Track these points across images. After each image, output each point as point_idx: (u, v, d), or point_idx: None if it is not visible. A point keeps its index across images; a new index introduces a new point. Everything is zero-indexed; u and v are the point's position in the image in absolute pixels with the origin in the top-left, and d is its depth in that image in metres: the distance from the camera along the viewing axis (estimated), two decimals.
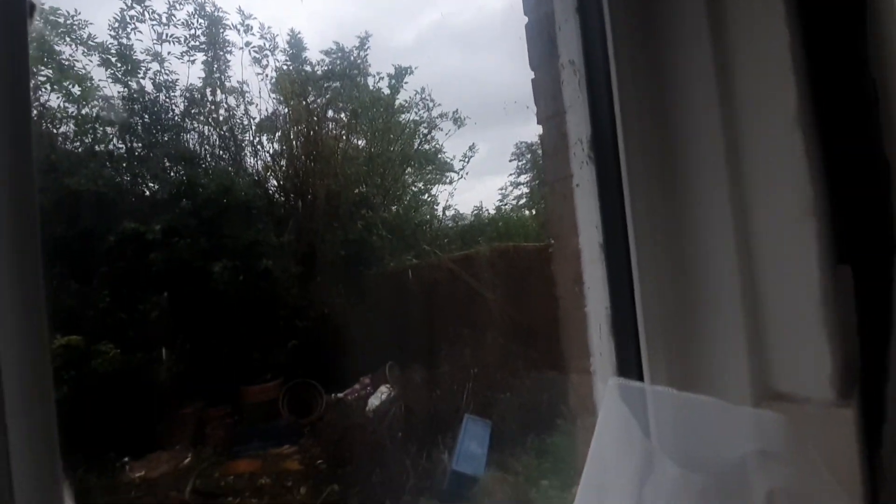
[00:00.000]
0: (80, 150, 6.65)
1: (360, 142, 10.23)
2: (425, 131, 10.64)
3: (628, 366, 0.82)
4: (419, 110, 10.66)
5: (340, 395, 7.50)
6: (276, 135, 9.02)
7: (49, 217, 5.83)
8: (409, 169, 10.87)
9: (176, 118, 7.78)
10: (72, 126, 6.97)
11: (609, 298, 0.82)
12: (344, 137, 9.66)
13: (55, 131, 6.83)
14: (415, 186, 11.44)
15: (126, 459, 5.71)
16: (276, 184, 8.68)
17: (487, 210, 12.62)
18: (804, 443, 0.60)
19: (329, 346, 8.08)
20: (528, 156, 18.73)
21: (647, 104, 0.77)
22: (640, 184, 0.75)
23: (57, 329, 5.58)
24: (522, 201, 15.67)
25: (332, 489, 4.26)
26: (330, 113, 9.52)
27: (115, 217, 6.08)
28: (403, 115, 10.71)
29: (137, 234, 5.83)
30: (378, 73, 10.19)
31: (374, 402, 6.68)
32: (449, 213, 11.90)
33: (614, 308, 0.81)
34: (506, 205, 15.24)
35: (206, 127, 8.17)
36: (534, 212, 12.77)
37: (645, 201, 0.72)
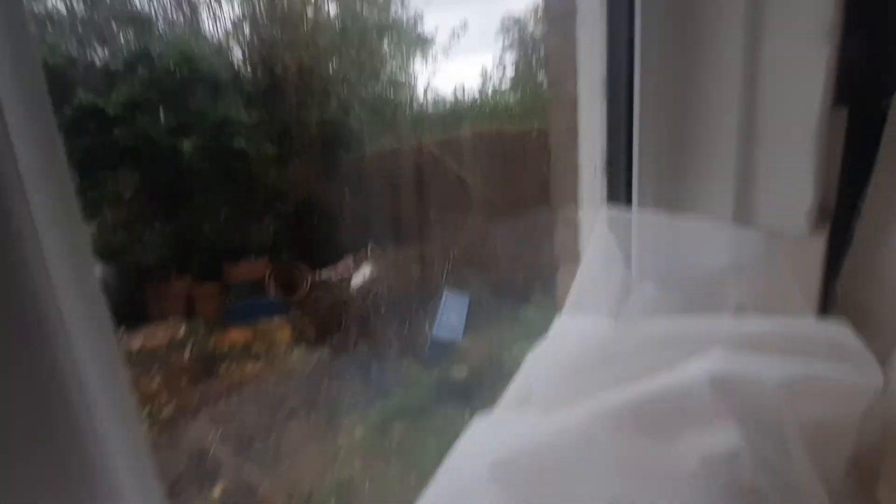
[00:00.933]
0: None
1: (329, 5, 9.20)
2: None
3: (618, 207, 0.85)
4: None
5: (325, 274, 7.77)
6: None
7: None
8: (386, 41, 10.01)
9: None
10: None
11: (606, 139, 0.82)
12: (312, 1, 8.67)
13: None
14: (393, 61, 10.61)
15: (121, 332, 5.99)
16: (241, 55, 7.92)
17: (471, 92, 11.96)
18: (777, 260, 0.65)
19: (310, 229, 8.14)
20: (516, 33, 17.26)
21: None
22: (652, 10, 0.71)
23: None
24: (506, 85, 14.84)
25: (321, 355, 4.62)
26: None
27: (67, 90, 5.56)
28: None
29: (96, 108, 5.40)
30: None
31: (357, 280, 6.98)
32: (430, 95, 11.24)
33: (611, 149, 0.82)
34: (489, 87, 14.44)
35: None
36: (519, 95, 12.18)
37: (656, 27, 0.68)
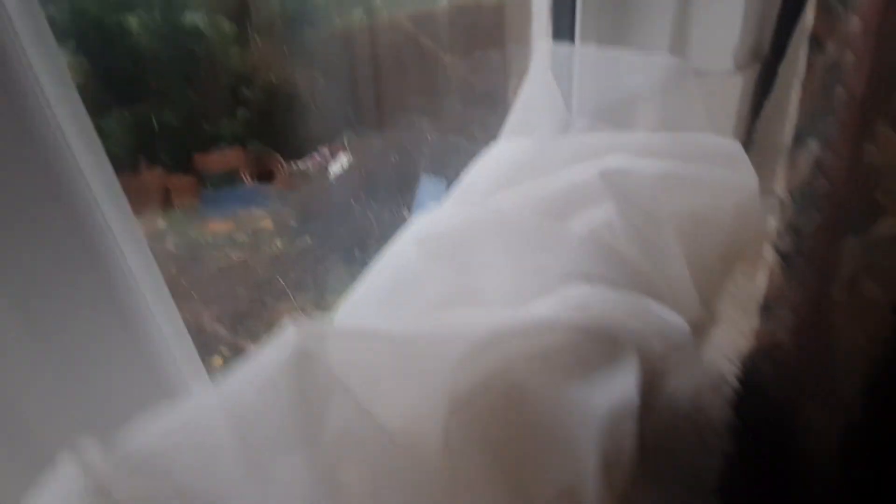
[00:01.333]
0: None
1: None
2: None
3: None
4: None
5: (300, 165, 7.64)
6: None
7: None
8: None
9: None
10: None
11: None
12: None
13: None
14: None
15: None
16: None
17: None
18: (698, 92, 0.72)
19: (281, 116, 7.78)
20: None
21: None
22: None
23: None
24: None
25: (304, 240, 4.76)
26: None
27: None
28: None
29: None
30: None
31: (334, 169, 6.91)
32: None
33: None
34: None
35: None
36: None
37: None
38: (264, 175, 7.03)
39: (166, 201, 6.27)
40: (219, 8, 6.46)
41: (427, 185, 4.77)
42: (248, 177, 6.66)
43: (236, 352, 3.19)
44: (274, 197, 6.50)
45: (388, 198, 5.03)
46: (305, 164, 7.59)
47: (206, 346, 3.21)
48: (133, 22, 5.28)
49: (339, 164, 6.84)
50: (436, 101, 6.46)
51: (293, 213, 5.54)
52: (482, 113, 6.08)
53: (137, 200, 4.51)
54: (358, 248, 4.53)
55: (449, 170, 5.35)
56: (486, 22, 6.21)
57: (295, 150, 7.24)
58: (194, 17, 5.82)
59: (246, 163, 6.50)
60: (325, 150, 7.71)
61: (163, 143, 6.53)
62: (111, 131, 5.71)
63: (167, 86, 6.11)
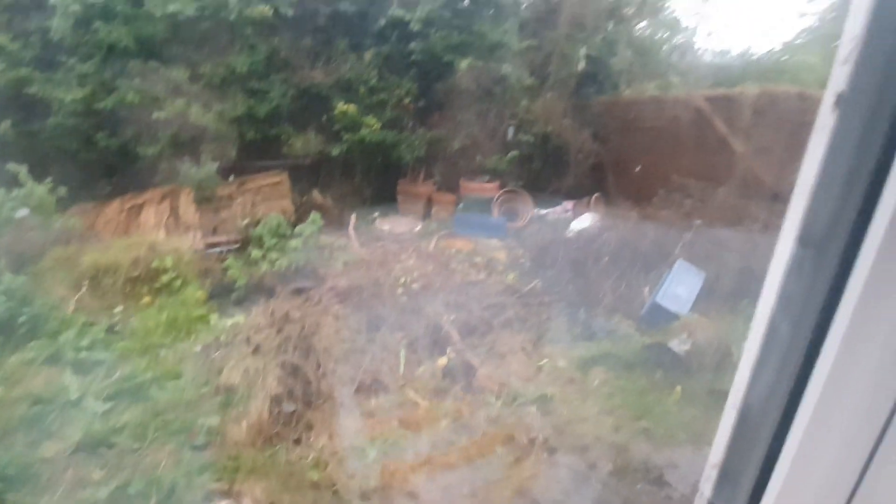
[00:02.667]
0: None
1: None
2: None
3: None
4: None
5: (543, 211, 7.98)
6: None
7: None
8: None
9: None
10: None
11: None
12: None
13: None
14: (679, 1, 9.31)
15: (376, 215, 7.34)
16: None
17: (772, 40, 9.85)
18: None
19: (544, 164, 8.31)
20: None
21: None
22: None
23: (339, 97, 6.83)
24: (806, 38, 11.74)
25: (535, 284, 4.90)
26: None
27: (382, 5, 6.55)
28: None
29: (403, 21, 6.25)
30: None
31: (576, 225, 6.97)
32: (712, 42, 9.64)
33: None
34: (787, 42, 11.66)
35: None
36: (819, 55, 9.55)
37: None
38: (511, 211, 7.52)
39: (427, 210, 7.22)
40: (528, 62, 7.25)
41: (681, 271, 4.37)
42: (497, 208, 7.22)
43: (462, 361, 3.42)
44: (512, 234, 6.88)
45: (630, 270, 4.80)
46: (547, 213, 7.83)
47: (439, 345, 3.53)
48: (463, 63, 6.26)
49: (582, 222, 6.83)
50: (709, 188, 5.92)
51: (528, 253, 5.75)
52: (762, 211, 5.31)
53: (408, 201, 5.37)
54: (584, 310, 4.42)
55: (709, 262, 4.80)
56: (805, 115, 5.45)
57: (543, 198, 7.57)
58: (507, 70, 6.62)
59: (499, 196, 7.08)
60: (569, 205, 7.81)
61: (442, 163, 7.56)
62: (412, 143, 6.85)
63: (465, 117, 7.06)
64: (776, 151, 5.91)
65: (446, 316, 3.74)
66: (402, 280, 4.29)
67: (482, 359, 3.50)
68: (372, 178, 7.58)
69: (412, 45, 6.31)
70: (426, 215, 7.22)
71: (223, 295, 4.65)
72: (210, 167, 5.69)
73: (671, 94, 7.07)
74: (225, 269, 4.93)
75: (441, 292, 4.10)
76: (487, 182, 7.61)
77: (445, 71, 6.58)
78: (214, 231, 5.78)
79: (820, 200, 0.44)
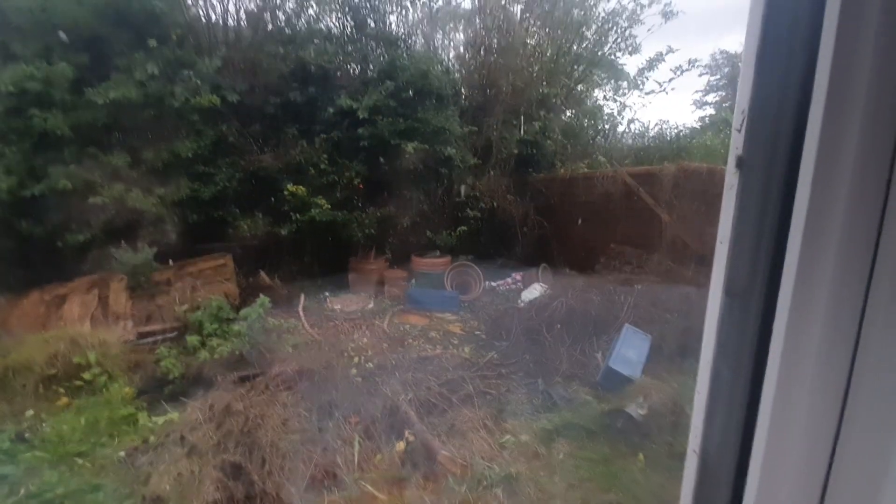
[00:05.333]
0: (307, 27, 7.46)
1: (546, 34, 9.56)
2: (625, 25, 9.46)
3: None
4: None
5: (494, 283, 8.14)
6: (462, 24, 8.93)
7: (287, 82, 6.90)
8: (596, 71, 10.05)
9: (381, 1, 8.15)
10: (291, 4, 7.77)
11: None
12: (534, 30, 9.18)
13: (285, 7, 7.73)
14: (600, 91, 10.61)
15: (327, 294, 7.17)
16: (462, 74, 8.83)
17: (676, 126, 11.32)
18: None
19: (491, 237, 8.62)
20: (726, 69, 15.77)
21: None
22: None
23: (288, 179, 6.90)
24: (706, 124, 13.64)
25: (491, 356, 4.86)
26: None
27: (334, 90, 6.93)
28: (602, 5, 9.59)
29: (351, 110, 6.60)
30: None
31: (526, 295, 7.13)
32: (633, 126, 10.94)
33: None
34: (689, 125, 13.46)
35: (404, 10, 8.45)
36: (713, 139, 11.13)
37: None
38: (462, 285, 7.61)
39: (379, 287, 7.15)
40: (470, 146, 7.76)
41: (629, 335, 4.52)
42: (449, 282, 7.28)
43: (422, 443, 3.23)
44: (466, 307, 6.91)
45: (582, 336, 4.89)
46: (498, 285, 7.99)
47: (396, 428, 3.33)
48: (410, 146, 6.57)
49: (532, 292, 7.00)
50: (645, 254, 6.34)
51: (482, 325, 5.75)
52: (692, 272, 5.72)
53: (360, 279, 5.34)
54: (543, 379, 4.40)
55: (653, 325, 5.00)
56: (719, 188, 6.10)
57: (492, 271, 7.75)
58: (451, 151, 7.03)
59: (450, 270, 7.17)
60: (518, 277, 8.04)
61: (393, 240, 7.65)
62: (364, 223, 6.92)
63: (413, 195, 7.28)
64: (696, 219, 6.55)
65: (403, 395, 3.58)
66: (356, 360, 4.11)
67: (443, 439, 3.33)
68: (322, 258, 7.50)
69: (360, 130, 6.62)
70: (378, 292, 7.15)
71: (155, 390, 4.22)
72: (146, 252, 5.42)
73: (600, 171, 7.75)
74: (158, 361, 4.53)
75: (397, 370, 3.95)
76: (438, 257, 7.74)
77: (393, 153, 6.89)
78: (148, 319, 5.37)
79: (737, 252, 0.50)
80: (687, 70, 10.27)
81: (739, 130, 0.47)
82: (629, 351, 4.58)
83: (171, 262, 5.80)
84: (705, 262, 6.43)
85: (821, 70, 0.41)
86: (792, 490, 0.47)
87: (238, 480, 3.17)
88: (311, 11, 7.69)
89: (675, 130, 11.13)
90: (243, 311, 4.88)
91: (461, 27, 8.88)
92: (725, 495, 0.51)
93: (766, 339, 0.46)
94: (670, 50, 9.88)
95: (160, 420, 3.81)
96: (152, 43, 5.69)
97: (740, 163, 0.47)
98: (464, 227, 7.59)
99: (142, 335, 5.09)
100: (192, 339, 4.71)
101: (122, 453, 3.44)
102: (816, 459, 0.46)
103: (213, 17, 7.22)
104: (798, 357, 0.45)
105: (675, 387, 4.22)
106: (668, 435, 3.59)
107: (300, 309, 5.66)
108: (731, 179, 0.48)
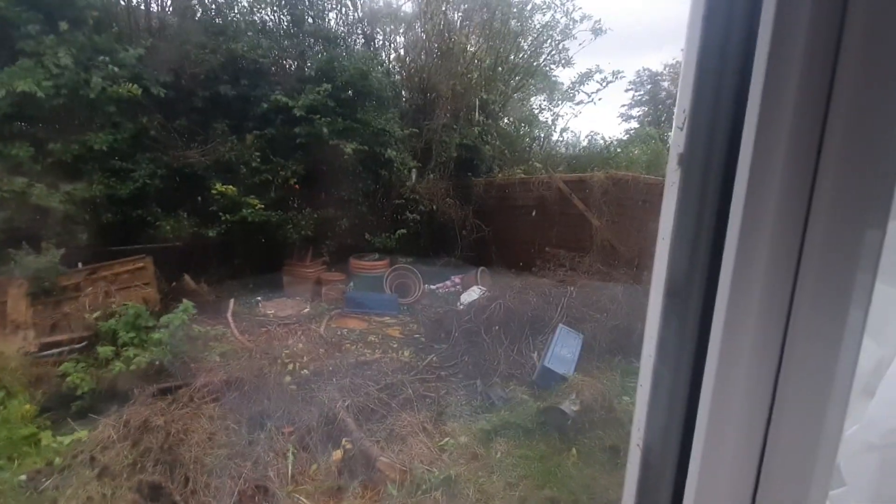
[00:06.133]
0: (239, 18, 7.10)
1: (485, 42, 9.80)
2: (558, 38, 9.92)
3: None
4: (556, 13, 9.86)
5: (433, 286, 8.15)
6: (403, 28, 8.93)
7: (217, 76, 6.51)
8: (532, 81, 10.44)
9: None
10: None
11: None
12: (474, 38, 9.36)
13: None
14: (536, 100, 11.03)
15: (259, 299, 6.83)
16: (403, 76, 8.80)
17: (604, 137, 12.01)
18: None
19: (431, 240, 8.63)
20: (649, 86, 17.05)
21: None
22: None
23: (217, 178, 6.49)
24: (631, 136, 14.67)
25: (431, 359, 4.86)
26: (464, 6, 9.17)
27: (268, 86, 6.63)
28: (538, 17, 10.00)
29: (287, 107, 6.35)
30: None
31: (465, 297, 7.22)
32: (566, 135, 11.47)
33: None
34: (616, 136, 14.39)
35: (344, 8, 8.29)
36: (638, 151, 12.02)
37: None
38: (401, 288, 7.57)
39: (316, 290, 6.95)
40: (410, 147, 7.77)
41: (563, 335, 4.70)
42: (388, 286, 7.22)
43: (360, 450, 3.16)
44: (405, 310, 6.87)
45: (519, 337, 5.03)
46: (437, 288, 8.02)
47: (333, 437, 3.24)
48: (349, 147, 6.49)
49: (471, 294, 7.10)
50: (580, 256, 6.63)
51: (422, 329, 5.75)
52: (621, 275, 6.08)
53: (295, 282, 5.21)
54: (481, 380, 4.47)
55: (585, 324, 5.25)
56: (644, 195, 6.54)
57: (431, 273, 7.77)
58: (391, 153, 6.99)
59: (389, 273, 7.11)
60: (457, 280, 8.12)
61: (331, 242, 7.47)
62: (299, 224, 6.70)
63: (352, 197, 7.16)
64: (623, 223, 7.00)
65: (341, 402, 3.48)
66: (291, 367, 3.94)
67: (382, 445, 3.28)
68: (255, 260, 7.13)
69: (297, 129, 6.38)
70: (315, 296, 6.91)
71: (62, 406, 3.80)
72: (52, 254, 4.87)
73: (536, 177, 8.04)
74: (64, 375, 4.08)
75: (334, 376, 3.84)
76: (377, 259, 7.63)
77: (332, 154, 6.71)
78: (53, 329, 4.84)
79: (677, 249, 0.52)
80: (612, 81, 10.92)
81: (681, 128, 0.48)
82: (563, 350, 4.78)
83: (80, 265, 5.26)
84: (632, 264, 6.90)
85: (756, 71, 0.44)
86: (728, 479, 0.49)
87: (157, 502, 2.94)
88: (244, 2, 7.33)
89: (605, 141, 11.83)
90: (164, 318, 4.51)
91: (402, 30, 8.85)
92: (667, 487, 0.54)
93: (705, 337, 0.49)
94: (599, 69, 10.56)
95: (66, 440, 3.44)
96: (64, 26, 5.16)
97: (682, 160, 0.49)
98: (403, 230, 7.55)
99: (45, 346, 4.57)
100: (105, 350, 4.29)
101: (24, 477, 3.08)
102: (750, 451, 0.49)
103: (135, 1, 6.67)
104: (733, 355, 0.47)
105: (605, 383, 4.46)
106: (598, 429, 3.78)
107: (229, 314, 5.34)
108: (672, 177, 0.50)
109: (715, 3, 0.47)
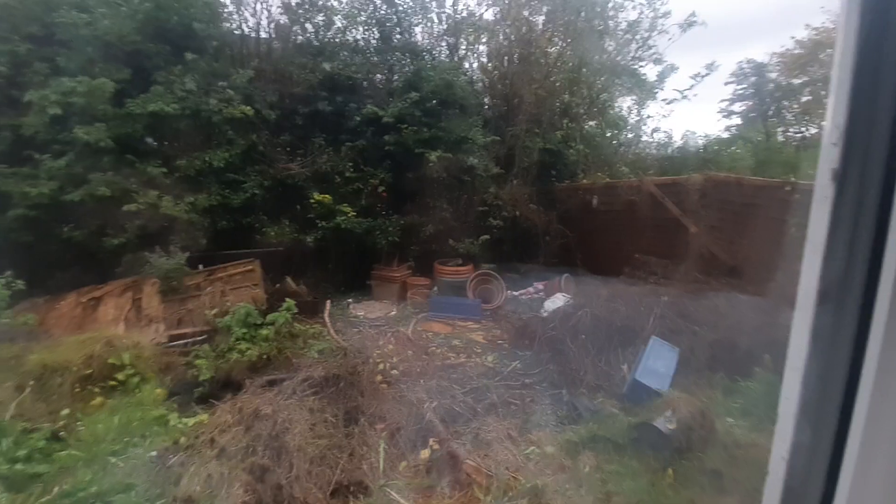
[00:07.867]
0: (335, 39, 7.64)
1: (568, 43, 9.57)
2: (646, 34, 9.41)
3: None
4: (644, 10, 9.38)
5: (516, 292, 8.10)
6: (486, 37, 8.99)
7: (315, 93, 7.07)
8: (618, 81, 10.01)
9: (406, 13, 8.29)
10: (321, 18, 7.97)
11: None
12: (557, 40, 9.21)
13: (314, 20, 7.93)
14: (623, 101, 10.55)
15: (350, 301, 7.25)
16: (485, 83, 8.90)
17: (702, 136, 11.13)
18: None
19: (514, 246, 8.60)
20: (753, 78, 15.47)
21: None
22: None
23: (315, 187, 7.04)
24: (732, 134, 13.38)
25: (515, 365, 4.83)
26: (545, 8, 9.05)
27: (360, 100, 7.05)
28: (623, 14, 9.60)
29: (377, 117, 6.71)
30: None
31: (549, 304, 7.08)
32: (657, 135, 10.81)
33: None
34: (715, 135, 13.24)
35: (429, 22, 8.58)
36: (745, 147, 10.85)
37: None
38: (485, 293, 7.58)
39: (402, 294, 7.18)
40: (493, 155, 7.79)
41: (656, 347, 4.44)
42: (471, 291, 7.28)
43: (447, 452, 3.23)
44: (488, 315, 6.88)
45: (607, 347, 4.83)
46: (520, 294, 7.92)
47: (421, 436, 3.33)
48: (433, 155, 6.64)
49: (555, 301, 6.93)
50: (674, 264, 6.21)
51: (505, 335, 5.72)
52: (722, 284, 5.58)
53: (383, 286, 5.39)
54: (567, 390, 4.35)
55: (681, 337, 4.89)
56: (747, 198, 5.96)
57: (514, 280, 7.70)
58: (474, 161, 7.06)
59: (473, 278, 7.15)
60: (540, 286, 7.98)
61: (416, 247, 7.69)
62: (386, 230, 6.97)
63: (437, 203, 7.32)
64: (725, 230, 6.42)
65: (428, 403, 3.59)
66: (381, 366, 4.14)
67: (468, 448, 3.32)
68: (346, 265, 7.59)
69: (385, 138, 6.72)
70: (401, 299, 7.19)
71: (186, 392, 4.32)
72: (179, 257, 5.57)
73: (624, 181, 7.67)
74: (188, 364, 4.63)
75: (422, 377, 3.97)
76: (461, 265, 7.76)
77: (417, 162, 6.97)
78: (179, 323, 5.51)
79: (830, 262, 0.50)
80: (707, 75, 10.13)
81: (836, 145, 0.48)
82: (656, 363, 4.49)
83: (201, 267, 5.95)
84: (735, 274, 6.30)
85: None
86: (881, 495, 0.46)
87: (266, 483, 3.22)
88: (338, 24, 7.88)
89: (702, 140, 10.97)
90: (270, 316, 4.97)
91: (484, 38, 8.95)
92: (814, 499, 0.51)
93: (861, 347, 0.47)
94: (692, 64, 9.79)
95: (190, 421, 3.89)
96: (189, 56, 5.91)
97: (836, 175, 0.48)
98: (486, 236, 7.60)
99: (173, 338, 5.23)
100: (222, 343, 4.82)
101: (154, 453, 3.52)
102: None
103: (246, 30, 7.46)
104: (894, 365, 0.45)
105: (704, 401, 4.13)
106: (698, 450, 3.51)
107: (325, 315, 5.73)
108: (825, 191, 0.49)
109: (869, 22, 0.46)
